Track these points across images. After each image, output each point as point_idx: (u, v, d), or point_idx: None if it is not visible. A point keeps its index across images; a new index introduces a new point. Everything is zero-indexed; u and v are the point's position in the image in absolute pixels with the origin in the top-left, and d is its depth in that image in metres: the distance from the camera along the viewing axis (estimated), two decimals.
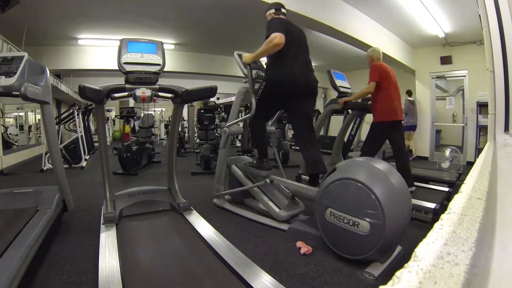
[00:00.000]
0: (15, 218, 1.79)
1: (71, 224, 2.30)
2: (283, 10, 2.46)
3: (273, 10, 2.44)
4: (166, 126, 9.09)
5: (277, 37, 2.12)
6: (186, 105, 5.09)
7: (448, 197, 2.85)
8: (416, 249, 0.37)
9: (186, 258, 1.62)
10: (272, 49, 2.18)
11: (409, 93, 6.34)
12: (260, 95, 2.41)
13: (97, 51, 6.34)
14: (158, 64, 2.12)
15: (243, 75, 2.74)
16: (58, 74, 6.76)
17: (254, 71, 2.66)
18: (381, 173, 1.65)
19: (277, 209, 2.33)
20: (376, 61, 3.05)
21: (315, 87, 2.41)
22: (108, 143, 8.18)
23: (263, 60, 2.67)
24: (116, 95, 1.99)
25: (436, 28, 5.06)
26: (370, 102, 3.25)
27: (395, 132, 2.95)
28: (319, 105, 10.27)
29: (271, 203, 2.36)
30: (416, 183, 3.10)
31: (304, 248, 1.84)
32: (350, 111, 4.04)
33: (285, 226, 2.20)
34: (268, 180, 2.41)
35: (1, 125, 6.23)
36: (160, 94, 2.13)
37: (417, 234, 2.02)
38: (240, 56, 2.68)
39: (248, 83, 2.48)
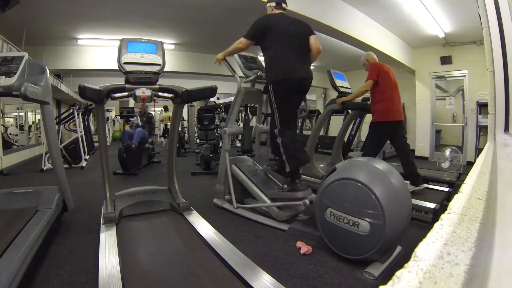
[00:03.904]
0: (15, 218, 1.79)
1: (71, 224, 2.30)
2: (283, 5, 2.45)
3: (273, 4, 2.44)
4: (165, 126, 9.08)
5: (241, 43, 2.36)
6: (186, 105, 5.09)
7: (448, 197, 2.86)
8: (416, 249, 0.37)
9: (186, 258, 1.62)
10: (236, 51, 2.48)
11: None
12: (275, 100, 2.30)
13: (97, 51, 6.34)
14: (158, 64, 2.12)
15: (243, 75, 2.75)
16: (58, 74, 6.76)
17: (254, 71, 2.68)
18: (381, 173, 1.65)
19: (277, 209, 2.33)
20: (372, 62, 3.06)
21: (309, 83, 2.39)
22: (108, 143, 8.18)
23: (262, 59, 2.67)
24: (116, 95, 2.00)
25: (436, 28, 5.06)
26: (369, 102, 3.25)
27: (395, 133, 2.95)
28: (319, 105, 10.28)
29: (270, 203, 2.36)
30: None
31: (304, 248, 1.84)
32: (350, 111, 4.04)
33: (285, 226, 2.20)
34: (307, 202, 2.16)
35: (1, 125, 6.23)
36: (160, 94, 2.13)
37: (417, 234, 2.02)
38: (240, 56, 2.68)
39: (236, 78, 2.57)
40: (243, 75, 2.75)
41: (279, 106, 2.31)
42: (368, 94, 3.13)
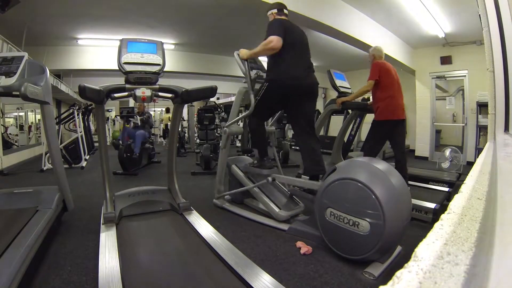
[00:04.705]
0: (15, 218, 1.79)
1: (71, 224, 2.30)
2: (285, 11, 2.46)
3: (275, 10, 2.44)
4: (165, 126, 9.07)
5: (274, 41, 2.16)
6: (186, 105, 5.08)
7: (448, 197, 2.85)
8: (416, 249, 0.37)
9: (186, 258, 1.62)
10: (267, 52, 2.26)
11: None
12: (261, 96, 2.38)
13: (97, 51, 6.34)
14: (158, 64, 2.11)
15: (243, 75, 2.75)
16: (58, 74, 6.76)
17: (254, 71, 2.67)
18: (381, 173, 1.65)
19: (277, 209, 2.32)
20: (377, 59, 3.04)
21: (316, 89, 2.42)
22: (108, 143, 8.17)
23: (264, 60, 2.67)
24: (116, 95, 1.99)
25: (436, 28, 5.06)
26: (369, 102, 3.25)
27: (396, 132, 2.95)
28: (319, 105, 10.26)
29: (271, 203, 2.36)
30: (416, 183, 3.10)
31: (304, 248, 1.84)
32: (350, 111, 4.04)
33: (285, 226, 2.20)
34: (270, 179, 2.36)
35: (1, 125, 6.23)
36: (160, 94, 2.12)
37: (417, 234, 2.01)
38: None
39: (246, 80, 2.49)
40: (243, 75, 2.75)
41: (260, 103, 2.37)
42: (368, 94, 3.13)
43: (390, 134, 2.98)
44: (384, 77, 2.84)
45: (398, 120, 2.88)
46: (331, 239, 1.78)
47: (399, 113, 2.88)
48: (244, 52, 2.48)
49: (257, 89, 2.51)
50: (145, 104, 6.21)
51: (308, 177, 2.30)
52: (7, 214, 1.86)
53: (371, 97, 3.16)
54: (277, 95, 2.34)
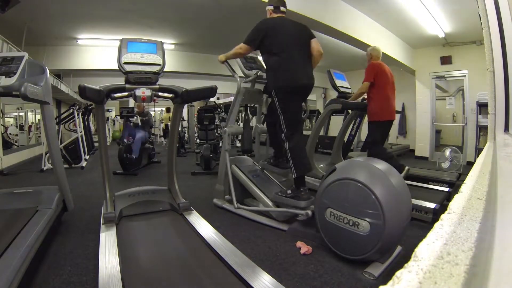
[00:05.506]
0: (15, 218, 1.79)
1: (71, 224, 2.30)
2: (282, 8, 2.43)
3: (271, 7, 2.42)
4: (165, 126, 9.06)
5: (241, 49, 2.36)
6: (186, 105, 5.08)
7: (448, 197, 2.86)
8: (416, 249, 0.37)
9: (186, 258, 1.62)
10: (234, 56, 2.50)
11: None
12: (279, 105, 2.26)
13: (97, 51, 6.34)
14: (158, 64, 2.12)
15: (244, 75, 2.75)
16: (58, 74, 6.76)
17: (254, 71, 2.68)
18: (381, 173, 1.65)
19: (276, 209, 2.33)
20: (374, 59, 3.06)
21: (311, 88, 2.39)
22: (108, 143, 8.17)
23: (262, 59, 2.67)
24: (116, 95, 2.00)
25: (436, 28, 5.06)
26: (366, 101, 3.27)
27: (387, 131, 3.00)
28: (319, 105, 10.28)
29: (270, 203, 2.36)
30: (416, 183, 3.11)
31: (304, 248, 1.84)
32: (350, 111, 4.04)
33: (285, 226, 2.20)
34: (309, 212, 2.06)
35: (1, 125, 6.23)
36: (160, 94, 2.13)
37: (417, 234, 2.02)
38: (240, 57, 2.68)
39: (245, 79, 2.58)
40: (243, 75, 2.76)
41: (284, 111, 2.25)
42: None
43: (385, 133, 3.01)
44: (379, 78, 2.87)
45: (391, 121, 2.94)
46: (331, 239, 1.78)
47: (390, 114, 2.93)
48: (221, 56, 2.57)
49: (260, 89, 2.50)
50: (145, 104, 6.21)
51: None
52: (7, 214, 1.86)
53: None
54: (288, 96, 2.26)
